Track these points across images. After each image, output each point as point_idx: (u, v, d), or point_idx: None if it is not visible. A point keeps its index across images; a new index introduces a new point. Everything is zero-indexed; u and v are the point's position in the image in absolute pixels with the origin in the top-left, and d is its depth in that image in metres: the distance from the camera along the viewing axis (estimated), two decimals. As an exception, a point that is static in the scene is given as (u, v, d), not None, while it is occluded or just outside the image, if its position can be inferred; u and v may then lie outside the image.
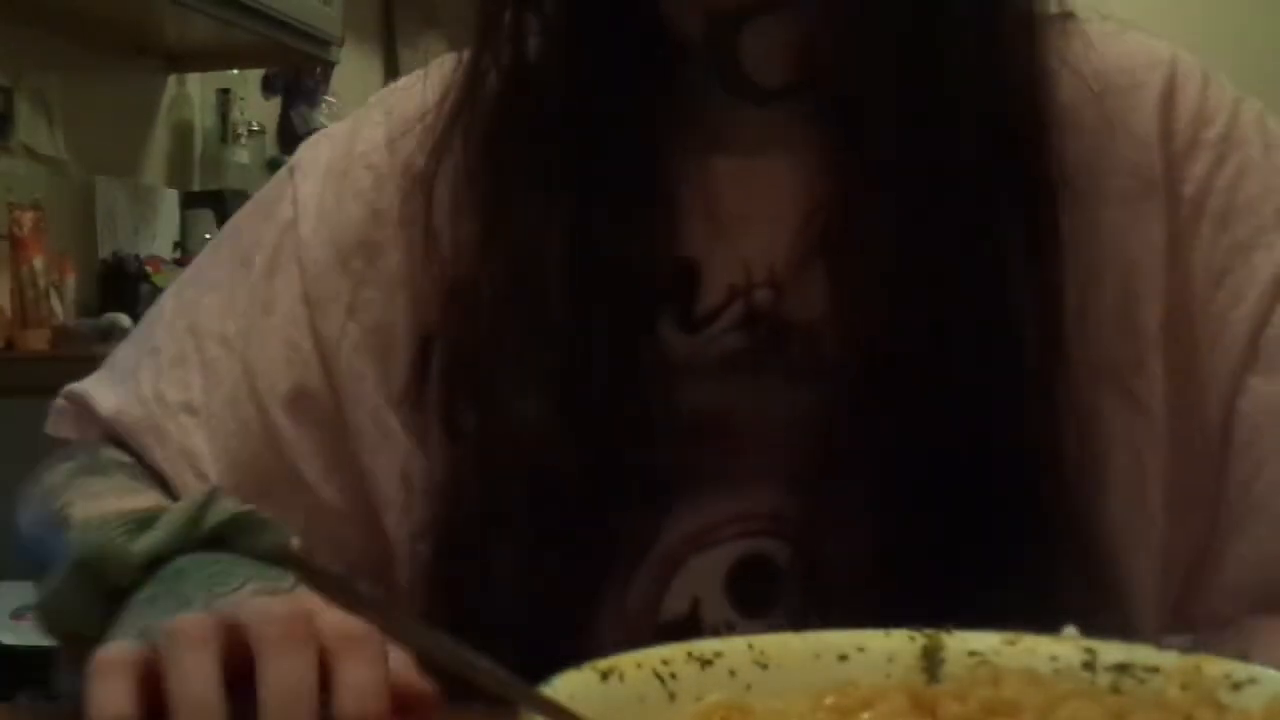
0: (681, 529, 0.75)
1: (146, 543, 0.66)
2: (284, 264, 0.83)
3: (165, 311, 0.87)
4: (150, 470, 0.82)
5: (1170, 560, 0.74)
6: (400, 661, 0.55)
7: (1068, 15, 0.77)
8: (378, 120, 0.85)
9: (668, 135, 0.76)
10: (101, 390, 0.85)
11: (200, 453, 0.81)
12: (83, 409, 0.85)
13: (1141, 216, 0.74)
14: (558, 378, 0.74)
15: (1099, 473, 0.72)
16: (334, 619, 0.55)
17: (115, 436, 0.83)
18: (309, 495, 0.81)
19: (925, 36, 0.70)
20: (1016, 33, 0.73)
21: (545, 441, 0.73)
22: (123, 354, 0.87)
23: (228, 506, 0.68)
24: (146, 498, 0.76)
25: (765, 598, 0.74)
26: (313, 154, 0.86)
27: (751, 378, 0.75)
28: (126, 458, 0.82)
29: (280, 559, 0.68)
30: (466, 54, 0.78)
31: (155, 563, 0.66)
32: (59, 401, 0.87)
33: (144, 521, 0.68)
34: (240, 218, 0.88)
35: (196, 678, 0.53)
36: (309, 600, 0.55)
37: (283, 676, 0.53)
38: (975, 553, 0.68)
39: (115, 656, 0.55)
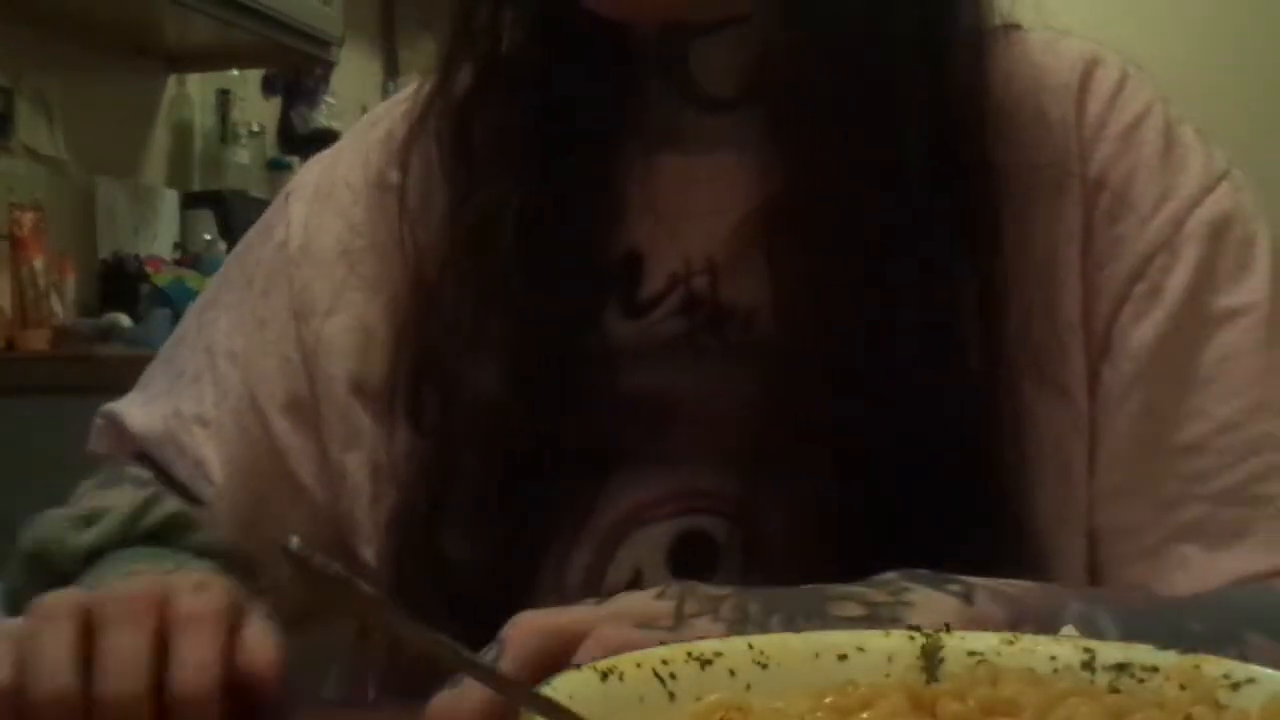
0: (623, 504, 0.77)
1: (88, 537, 0.75)
2: (277, 282, 0.88)
3: (188, 333, 0.92)
4: (172, 483, 0.86)
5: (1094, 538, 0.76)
6: (255, 640, 0.62)
7: (1011, 26, 0.80)
8: (357, 145, 0.90)
9: (620, 133, 0.80)
10: (132, 410, 0.89)
11: (210, 461, 0.86)
12: (117, 427, 0.89)
13: (1062, 206, 0.76)
14: (509, 360, 0.77)
15: (1028, 454, 0.74)
16: (183, 601, 0.62)
17: (144, 453, 0.88)
18: (306, 498, 0.85)
19: (874, 52, 0.73)
20: (961, 45, 0.75)
21: (495, 414, 0.77)
22: (151, 374, 0.92)
23: (167, 507, 0.77)
24: (120, 494, 0.82)
25: (706, 570, 0.76)
26: (305, 178, 0.92)
27: (691, 361, 0.78)
28: (145, 473, 0.86)
29: (207, 553, 0.78)
30: (442, 46, 0.82)
31: (99, 555, 0.75)
32: (97, 420, 0.91)
33: (89, 519, 0.77)
34: (244, 242, 0.93)
35: (49, 648, 0.59)
36: (169, 583, 0.62)
37: (114, 650, 0.59)
38: (910, 529, 0.70)
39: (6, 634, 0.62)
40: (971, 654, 0.48)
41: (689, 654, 0.46)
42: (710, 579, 0.59)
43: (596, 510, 0.78)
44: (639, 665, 0.45)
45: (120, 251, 3.04)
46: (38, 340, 2.65)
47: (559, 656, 0.53)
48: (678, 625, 0.56)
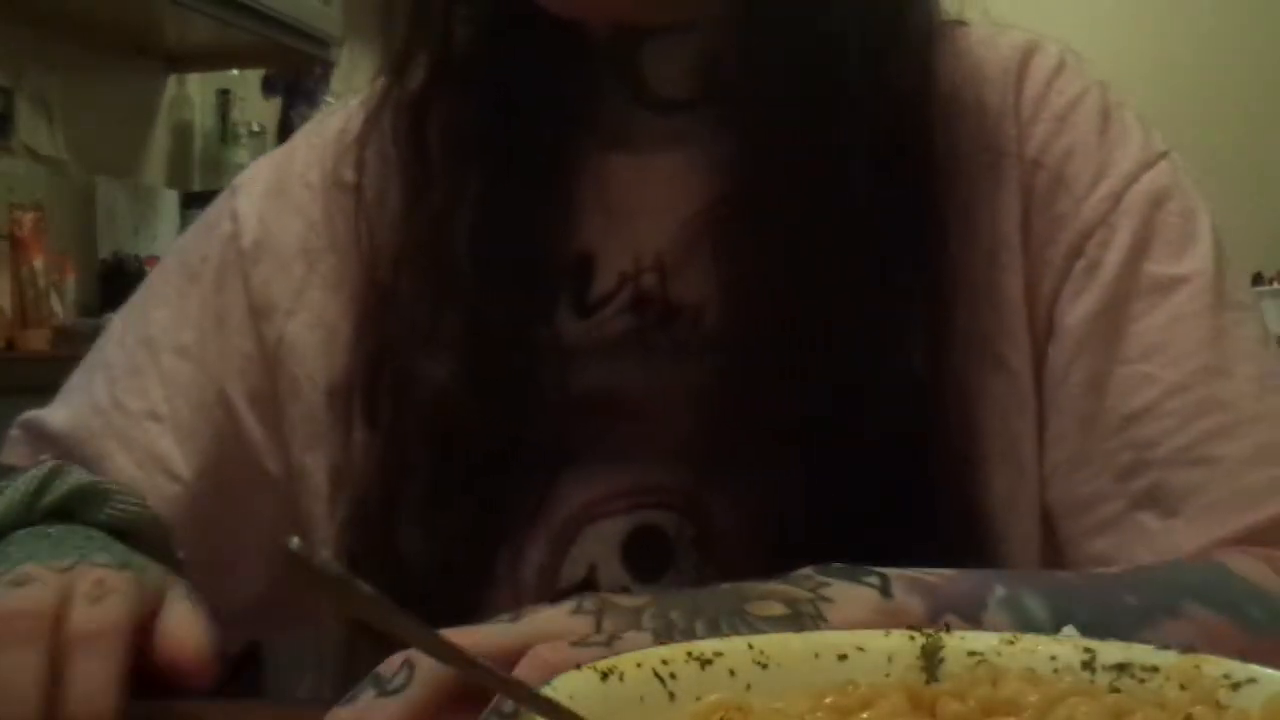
0: (576, 501, 0.78)
1: None
2: (230, 278, 0.87)
3: (114, 331, 0.91)
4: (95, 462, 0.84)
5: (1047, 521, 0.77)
6: (174, 628, 0.61)
7: (958, 22, 0.81)
8: (313, 142, 0.90)
9: (572, 132, 0.80)
10: (54, 411, 0.88)
11: (170, 456, 0.85)
12: (35, 433, 0.87)
13: (1001, 188, 0.77)
14: (462, 358, 0.78)
15: (977, 438, 0.75)
16: (78, 615, 0.59)
17: (67, 453, 0.84)
18: (275, 492, 0.85)
19: (823, 52, 0.73)
20: (908, 40, 0.76)
21: (449, 412, 0.77)
22: (73, 380, 0.90)
23: (70, 480, 0.72)
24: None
25: (660, 565, 0.77)
26: (252, 174, 0.91)
27: (640, 357, 0.78)
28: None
29: (120, 527, 0.73)
30: (396, 43, 0.82)
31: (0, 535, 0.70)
32: (13, 431, 0.89)
33: None
34: (184, 238, 0.93)
35: None
36: (65, 592, 0.60)
37: (2, 673, 0.57)
38: (861, 519, 0.71)
39: None
40: (971, 654, 0.48)
41: (689, 654, 0.46)
42: (665, 574, 0.60)
43: (550, 507, 0.78)
44: (639, 665, 0.45)
45: (120, 251, 3.04)
46: (38, 340, 2.65)
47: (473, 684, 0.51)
48: (610, 641, 0.55)
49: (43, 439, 0.86)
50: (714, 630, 0.57)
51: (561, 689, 0.42)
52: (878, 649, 0.48)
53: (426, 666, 0.54)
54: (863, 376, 0.72)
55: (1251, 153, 4.28)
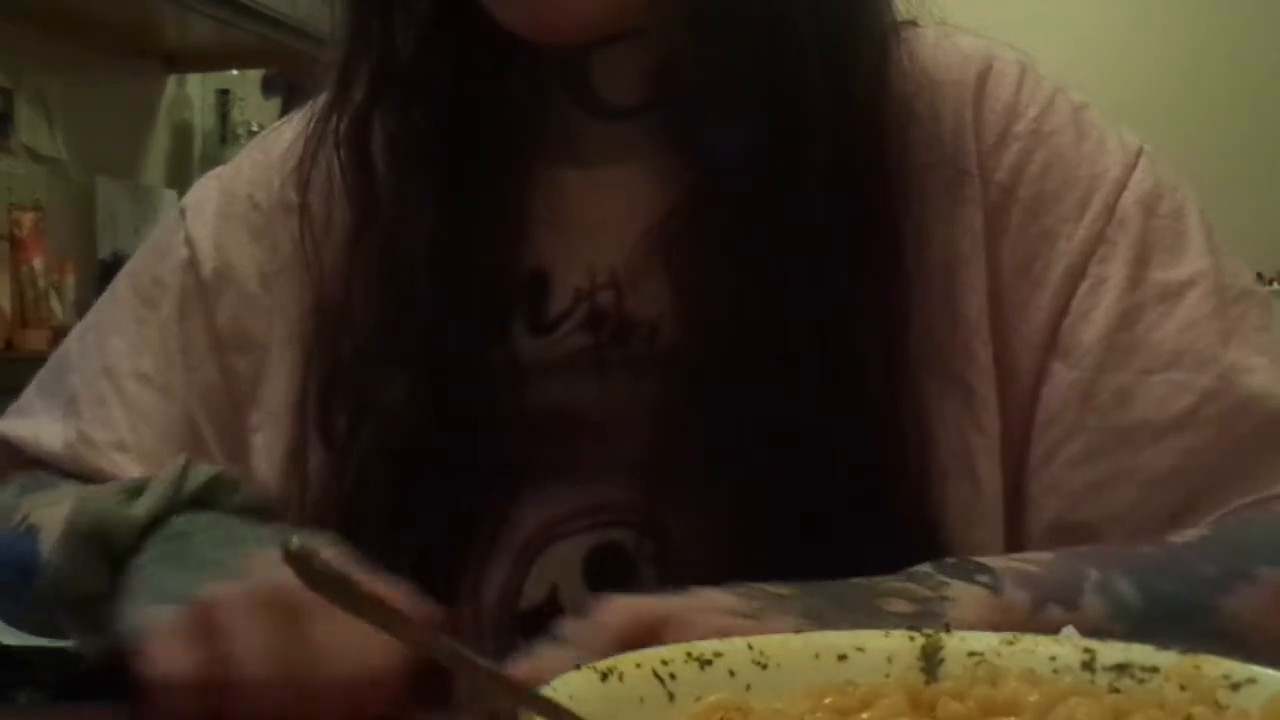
0: (534, 520, 0.78)
1: (144, 506, 0.72)
2: (191, 308, 0.87)
3: (71, 356, 0.90)
4: None
5: (1011, 535, 0.76)
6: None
7: (909, 23, 0.80)
8: (258, 159, 0.89)
9: (522, 146, 0.79)
10: (20, 431, 0.88)
11: None
12: (7, 447, 0.88)
13: (960, 205, 0.76)
14: (418, 378, 0.77)
15: (933, 452, 0.75)
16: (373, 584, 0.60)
17: (37, 478, 0.86)
18: None
19: (776, 56, 0.72)
20: (863, 47, 0.75)
21: (406, 432, 0.77)
22: (31, 399, 0.90)
23: (204, 470, 0.75)
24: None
25: (622, 583, 0.76)
26: (201, 195, 0.90)
27: (596, 374, 0.78)
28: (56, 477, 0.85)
29: (253, 511, 0.75)
30: (337, 58, 0.81)
31: (150, 525, 0.72)
32: None
33: (134, 490, 0.74)
34: (136, 261, 0.92)
35: (257, 636, 0.59)
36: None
37: (330, 635, 0.59)
38: (817, 534, 0.71)
39: (167, 622, 0.62)
40: (971, 654, 0.48)
41: (689, 654, 0.47)
42: (626, 591, 0.61)
43: (509, 526, 0.78)
44: (639, 665, 0.45)
45: (120, 251, 3.04)
46: (38, 340, 2.65)
47: (646, 639, 0.53)
48: (759, 614, 0.58)
49: (14, 458, 0.87)
50: (847, 624, 0.58)
51: (561, 689, 0.42)
52: (878, 649, 0.48)
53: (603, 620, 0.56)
54: (817, 391, 0.72)
55: (1252, 153, 4.28)
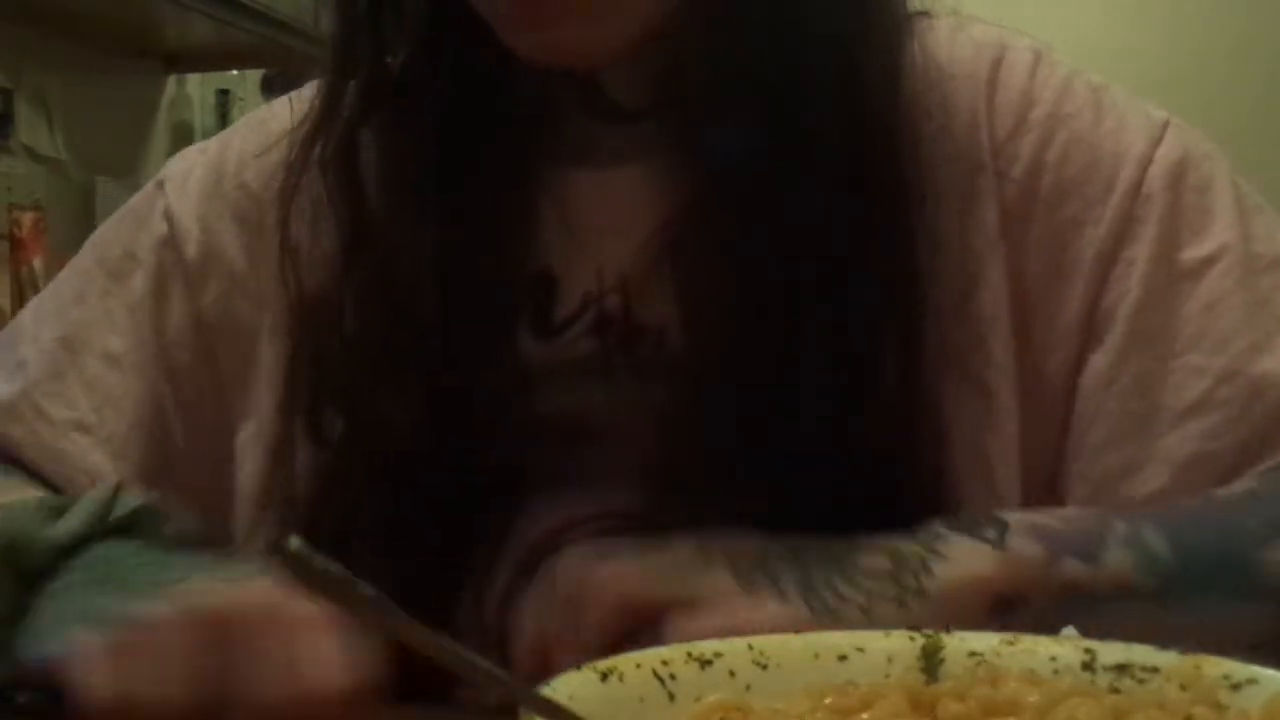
0: (539, 528, 0.76)
1: (65, 528, 0.70)
2: (172, 288, 0.84)
3: (25, 325, 0.86)
4: (29, 473, 0.83)
5: None
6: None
7: (921, 14, 0.78)
8: (250, 138, 0.86)
9: (530, 147, 0.77)
10: None
11: (102, 470, 0.81)
12: None
13: (975, 200, 0.75)
14: (421, 383, 0.75)
15: (948, 454, 0.74)
16: (298, 609, 0.58)
17: None
18: (201, 504, 0.82)
19: (783, 57, 0.71)
20: (874, 43, 0.73)
21: (408, 441, 0.75)
22: None
23: (130, 501, 0.72)
24: (20, 495, 0.78)
25: None
26: (183, 168, 0.87)
27: (604, 380, 0.76)
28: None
29: (185, 543, 0.73)
30: (327, 73, 0.79)
31: (69, 549, 0.70)
32: None
33: (57, 509, 0.72)
34: (105, 230, 0.88)
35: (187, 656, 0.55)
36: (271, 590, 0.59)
37: (263, 654, 0.56)
38: (828, 537, 0.69)
39: (96, 644, 0.57)
40: (971, 654, 0.48)
41: (689, 654, 0.47)
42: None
43: (513, 533, 0.76)
44: (639, 665, 0.45)
45: (120, 251, 3.04)
46: (37, 340, 2.65)
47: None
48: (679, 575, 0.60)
49: None
50: (805, 583, 0.61)
51: (561, 689, 0.42)
52: (878, 649, 0.48)
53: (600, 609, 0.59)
54: (829, 396, 0.71)
55: (1253, 153, 4.27)
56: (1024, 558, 0.62)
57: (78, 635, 0.60)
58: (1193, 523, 0.65)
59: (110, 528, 0.71)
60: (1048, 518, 0.64)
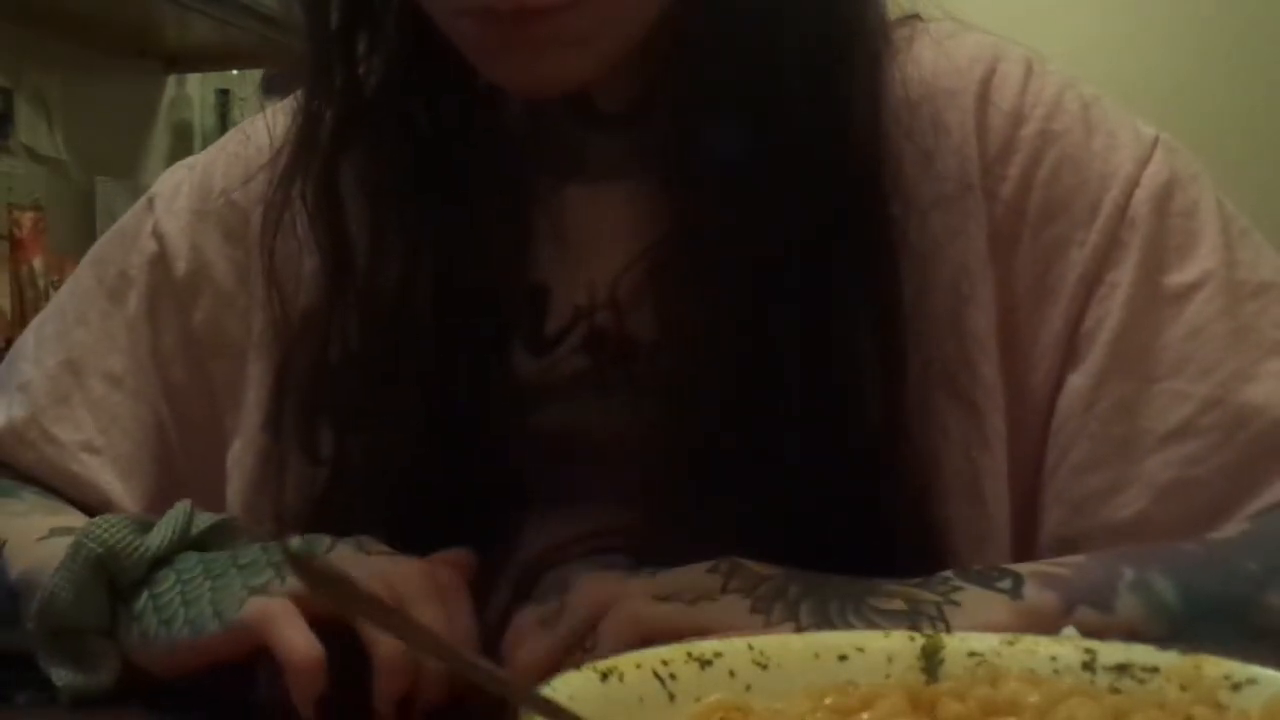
0: (536, 544, 0.76)
1: (156, 540, 0.70)
2: (162, 307, 0.84)
3: (28, 348, 0.87)
4: (29, 479, 0.83)
5: (1021, 556, 0.74)
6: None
7: (912, 17, 0.77)
8: (235, 154, 0.86)
9: (520, 160, 0.77)
10: None
11: (113, 489, 0.82)
12: None
13: (964, 219, 0.74)
14: (417, 399, 0.75)
15: (937, 471, 0.73)
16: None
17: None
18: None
19: (766, 63, 0.70)
20: (857, 52, 0.72)
21: (403, 457, 0.75)
22: None
23: (206, 516, 0.73)
24: (75, 514, 0.79)
25: None
26: (172, 185, 0.87)
27: (596, 397, 0.76)
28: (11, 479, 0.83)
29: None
30: (303, 93, 0.79)
31: (159, 560, 0.70)
32: None
33: (143, 525, 0.72)
34: (100, 249, 0.88)
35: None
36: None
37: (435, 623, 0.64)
38: (819, 555, 0.69)
39: (282, 608, 0.63)
40: (971, 654, 0.48)
41: (689, 654, 0.46)
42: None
43: (511, 550, 0.76)
44: (639, 665, 0.45)
45: (120, 251, 3.04)
46: (37, 340, 2.65)
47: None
48: (695, 601, 0.61)
49: None
50: (819, 612, 0.61)
51: (561, 689, 0.42)
52: (878, 649, 0.48)
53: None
54: (818, 413, 0.70)
55: (1254, 155, 4.28)
56: (1039, 608, 0.62)
57: (256, 601, 0.64)
58: (1197, 567, 0.65)
59: (191, 542, 0.71)
60: (1058, 567, 0.64)
